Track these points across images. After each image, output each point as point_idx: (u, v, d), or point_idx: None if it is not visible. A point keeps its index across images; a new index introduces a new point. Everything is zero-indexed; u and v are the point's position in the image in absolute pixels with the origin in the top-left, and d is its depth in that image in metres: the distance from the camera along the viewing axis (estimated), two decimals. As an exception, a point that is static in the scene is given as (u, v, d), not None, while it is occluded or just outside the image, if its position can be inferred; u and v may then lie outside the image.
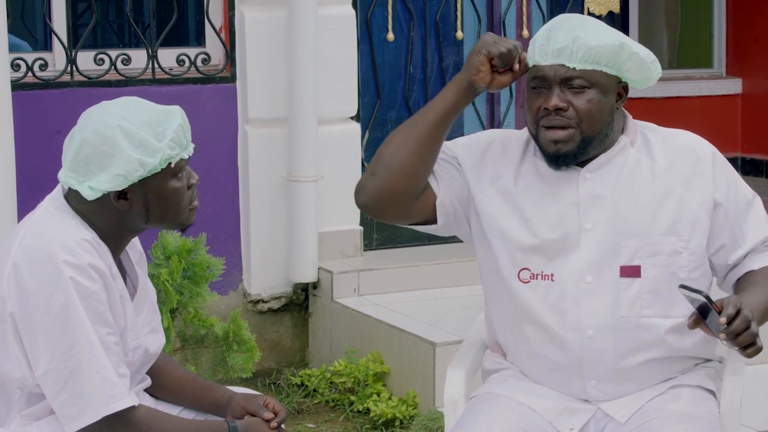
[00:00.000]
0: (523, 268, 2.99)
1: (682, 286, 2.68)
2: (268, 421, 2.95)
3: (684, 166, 2.98)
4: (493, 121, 6.28)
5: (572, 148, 2.92)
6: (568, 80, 2.89)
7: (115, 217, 2.77)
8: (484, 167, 3.05)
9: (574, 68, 2.88)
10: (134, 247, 2.98)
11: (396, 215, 3.03)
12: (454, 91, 2.96)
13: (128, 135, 2.69)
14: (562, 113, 2.89)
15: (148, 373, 3.01)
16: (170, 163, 2.73)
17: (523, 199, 3.01)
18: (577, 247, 2.96)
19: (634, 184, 2.97)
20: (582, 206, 2.97)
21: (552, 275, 2.97)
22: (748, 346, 2.63)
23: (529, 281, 2.99)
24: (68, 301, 2.64)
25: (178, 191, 2.77)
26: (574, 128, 2.90)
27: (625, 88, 2.98)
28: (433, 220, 3.06)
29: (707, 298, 2.63)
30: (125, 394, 2.70)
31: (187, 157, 2.77)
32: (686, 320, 2.93)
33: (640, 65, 2.92)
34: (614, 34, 2.91)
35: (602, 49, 2.87)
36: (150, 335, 2.92)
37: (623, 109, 3.05)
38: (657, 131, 3.06)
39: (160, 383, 3.04)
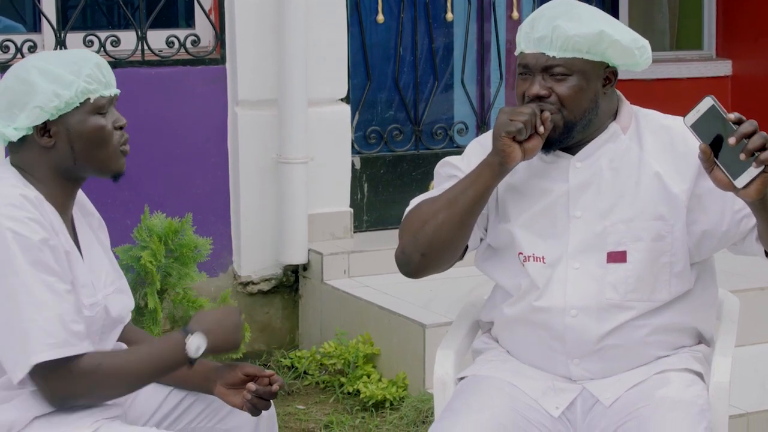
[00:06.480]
0: (518, 252, 3.04)
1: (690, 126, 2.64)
2: (269, 380, 2.93)
3: (672, 153, 2.99)
4: (483, 103, 6.27)
5: (557, 133, 2.95)
6: (549, 68, 2.93)
7: (46, 159, 2.80)
8: None
9: (554, 57, 2.92)
10: (92, 214, 3.01)
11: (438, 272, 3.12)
12: (490, 175, 2.93)
13: (43, 72, 2.76)
14: (545, 100, 2.93)
15: None
16: (89, 99, 2.78)
17: (516, 187, 3.06)
18: (566, 233, 3.00)
19: (621, 171, 3.00)
20: (572, 195, 3.00)
21: (543, 258, 3.01)
22: (762, 151, 2.58)
23: (522, 263, 3.03)
24: (8, 253, 2.65)
25: (102, 129, 2.81)
26: (557, 114, 2.93)
27: (614, 72, 3.00)
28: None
29: (714, 99, 2.61)
30: (63, 343, 2.66)
31: (108, 95, 2.81)
32: (667, 303, 3.00)
33: (623, 52, 2.94)
34: (596, 22, 2.92)
35: (581, 39, 2.90)
36: (114, 295, 2.92)
37: (620, 94, 3.07)
38: (651, 117, 3.08)
39: None
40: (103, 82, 2.81)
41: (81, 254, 2.86)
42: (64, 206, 2.84)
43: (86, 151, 2.80)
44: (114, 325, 2.94)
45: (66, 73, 2.76)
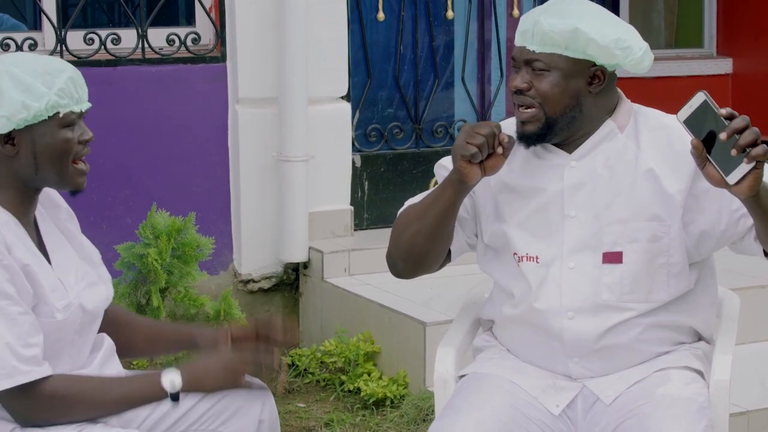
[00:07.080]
0: (513, 253, 3.04)
1: (684, 122, 2.62)
2: (276, 343, 3.09)
3: (670, 153, 2.98)
4: (483, 101, 6.27)
5: (537, 128, 2.95)
6: (530, 62, 2.93)
7: (6, 166, 2.76)
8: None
9: (534, 51, 2.92)
10: (59, 206, 2.98)
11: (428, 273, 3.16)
12: (452, 192, 2.94)
13: (15, 79, 2.72)
14: (526, 93, 2.94)
15: (120, 335, 3.04)
16: (58, 113, 2.74)
17: (512, 187, 3.05)
18: (561, 233, 2.99)
19: (617, 170, 2.98)
20: (566, 194, 2.99)
21: (537, 257, 3.00)
22: (753, 147, 2.56)
23: (517, 263, 3.03)
24: None
25: (68, 142, 2.77)
26: (538, 108, 2.94)
27: (603, 71, 2.95)
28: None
29: (706, 95, 2.59)
30: (12, 372, 2.65)
31: (78, 111, 2.78)
32: (666, 304, 2.99)
33: (601, 51, 2.90)
34: (575, 19, 2.89)
35: (555, 34, 2.89)
36: (87, 290, 2.89)
37: (620, 92, 3.05)
38: (651, 116, 3.06)
39: (136, 339, 3.09)
40: (75, 98, 2.76)
41: (48, 257, 2.84)
42: (24, 211, 2.81)
43: (48, 163, 2.76)
44: (93, 319, 2.92)
45: (38, 84, 2.71)
